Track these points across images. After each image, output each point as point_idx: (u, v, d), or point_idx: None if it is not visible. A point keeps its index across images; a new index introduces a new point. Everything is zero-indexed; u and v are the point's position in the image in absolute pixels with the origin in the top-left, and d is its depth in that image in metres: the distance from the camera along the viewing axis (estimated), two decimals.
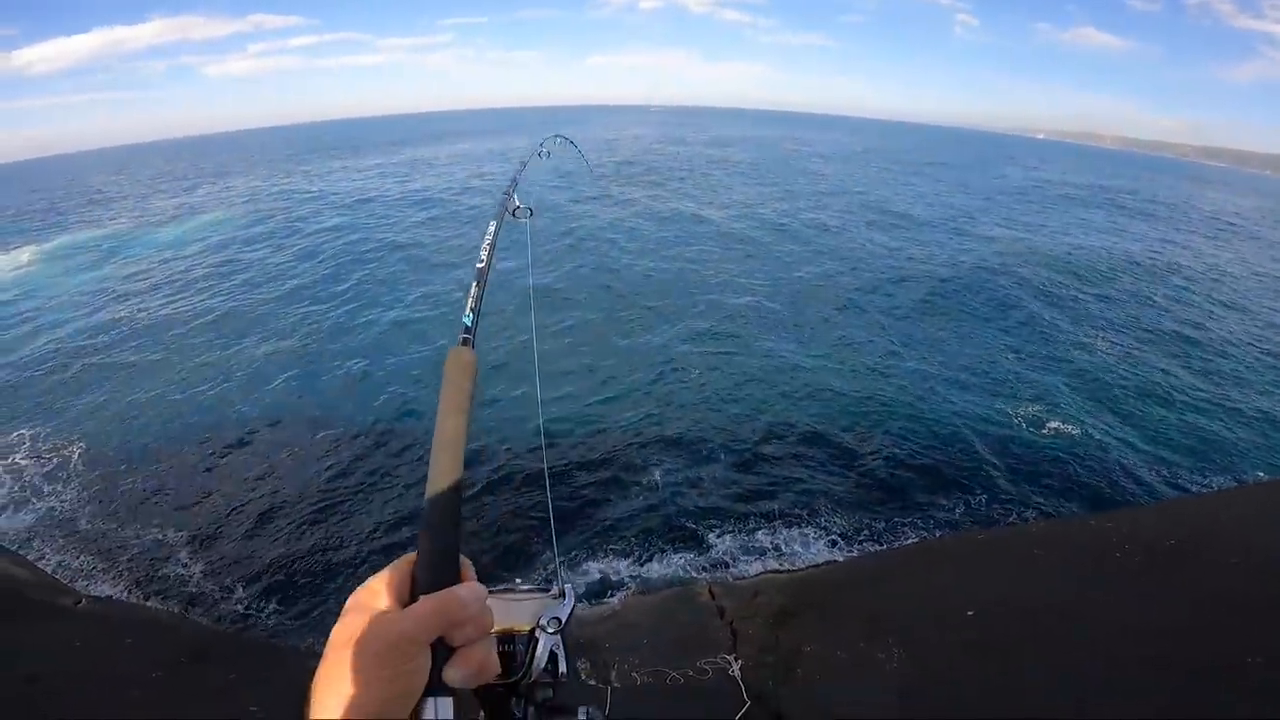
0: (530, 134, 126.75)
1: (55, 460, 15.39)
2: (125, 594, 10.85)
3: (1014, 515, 12.63)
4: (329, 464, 14.25)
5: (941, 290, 25.62)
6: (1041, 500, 13.28)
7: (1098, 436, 15.44)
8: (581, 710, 1.02)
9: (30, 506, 13.88)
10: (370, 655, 0.69)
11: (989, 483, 13.80)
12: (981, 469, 14.13)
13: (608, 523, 12.30)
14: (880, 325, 21.97)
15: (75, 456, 15.51)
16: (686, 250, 30.06)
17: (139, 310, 26.18)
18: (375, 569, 0.85)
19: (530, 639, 0.97)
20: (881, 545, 11.73)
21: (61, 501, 14.01)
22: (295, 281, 27.94)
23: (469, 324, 1.18)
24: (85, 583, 11.14)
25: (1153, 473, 14.44)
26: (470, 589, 0.78)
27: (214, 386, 18.93)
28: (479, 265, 1.36)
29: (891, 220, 39.41)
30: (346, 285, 26.91)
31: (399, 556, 0.85)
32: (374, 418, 15.84)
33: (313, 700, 0.69)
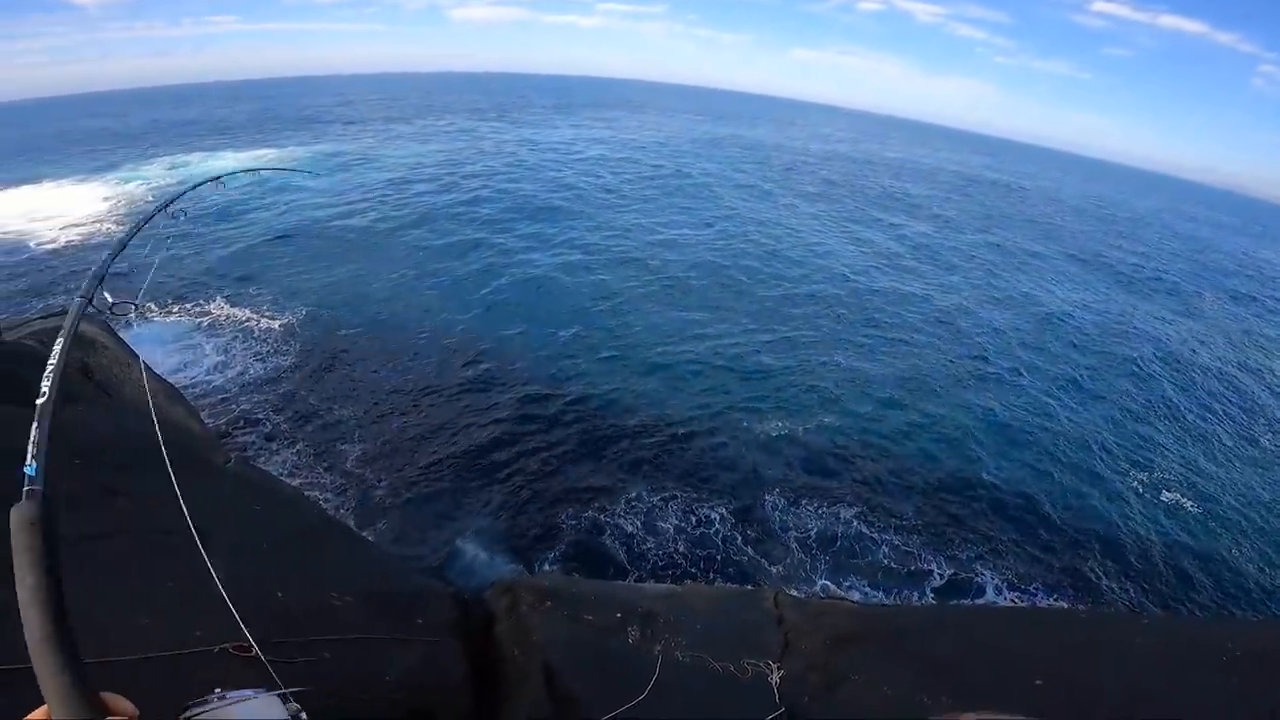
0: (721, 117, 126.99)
1: (265, 329, 17.96)
2: (268, 463, 12.39)
3: (1128, 602, 11.62)
4: (495, 400, 15.31)
5: None
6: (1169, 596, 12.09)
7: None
8: None
9: (227, 366, 16.14)
10: None
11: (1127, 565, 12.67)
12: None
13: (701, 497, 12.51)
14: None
15: (280, 329, 18.05)
16: None
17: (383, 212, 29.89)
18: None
19: None
20: (975, 600, 11.14)
21: (254, 367, 16.19)
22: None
23: (32, 473, 1.03)
24: (240, 447, 12.80)
25: None
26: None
27: (425, 291, 21.10)
28: (39, 400, 1.18)
29: None
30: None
31: None
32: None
33: None
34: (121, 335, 11.56)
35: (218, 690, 1.10)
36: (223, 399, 14.63)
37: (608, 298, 21.95)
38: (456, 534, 11.23)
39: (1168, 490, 15.79)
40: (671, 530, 11.98)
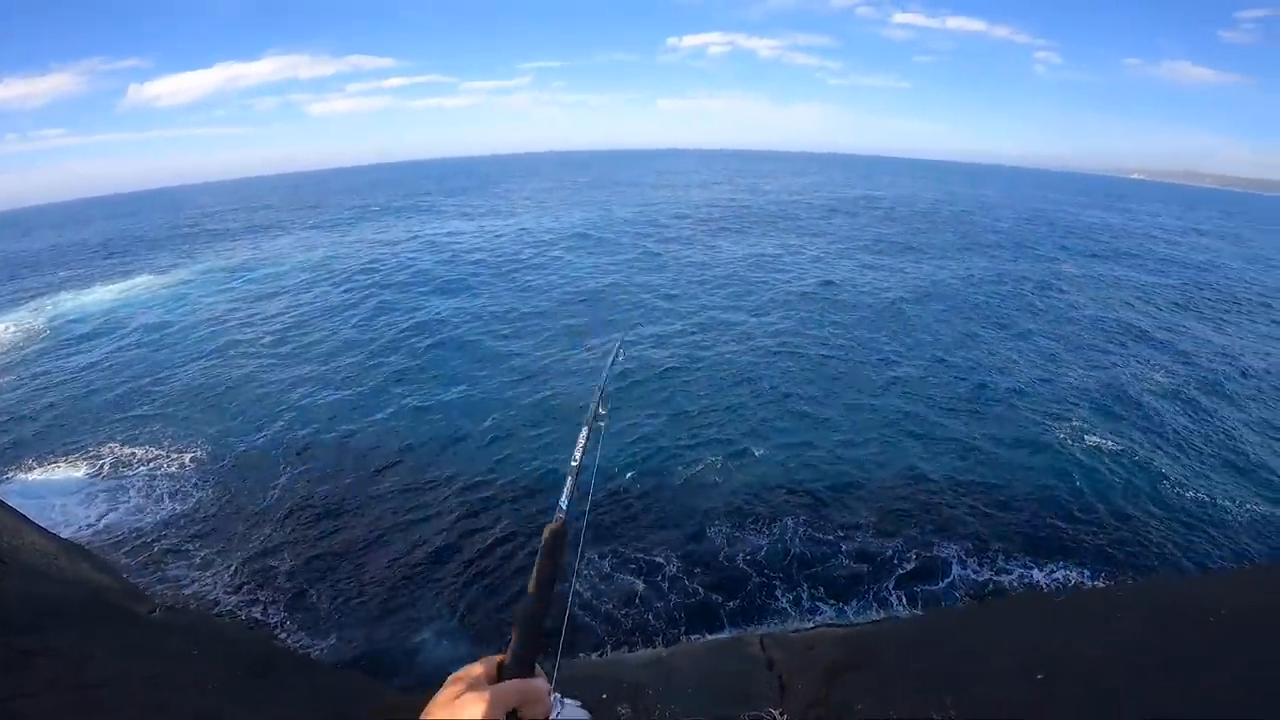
0: (597, 177, 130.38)
1: (167, 473, 16.62)
2: (198, 604, 11.44)
3: (1100, 578, 11.89)
4: (428, 498, 14.75)
5: None
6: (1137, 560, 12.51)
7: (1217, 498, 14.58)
8: None
9: (139, 508, 14.94)
10: (468, 712, 0.97)
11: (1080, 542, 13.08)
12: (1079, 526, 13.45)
13: (658, 563, 12.18)
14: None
15: (190, 468, 16.79)
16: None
17: (259, 332, 28.41)
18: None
19: None
20: (945, 602, 11.22)
21: (167, 503, 15.07)
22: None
23: (565, 506, 1.48)
24: (165, 590, 11.78)
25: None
26: (541, 682, 1.10)
27: (322, 405, 20.20)
28: (573, 463, 1.67)
29: None
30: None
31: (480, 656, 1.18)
32: (485, 465, 16.20)
33: None
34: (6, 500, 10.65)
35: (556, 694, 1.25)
36: (142, 541, 13.59)
37: (521, 378, 21.82)
38: (414, 636, 10.59)
39: (1090, 435, 16.96)
40: (632, 588, 11.67)
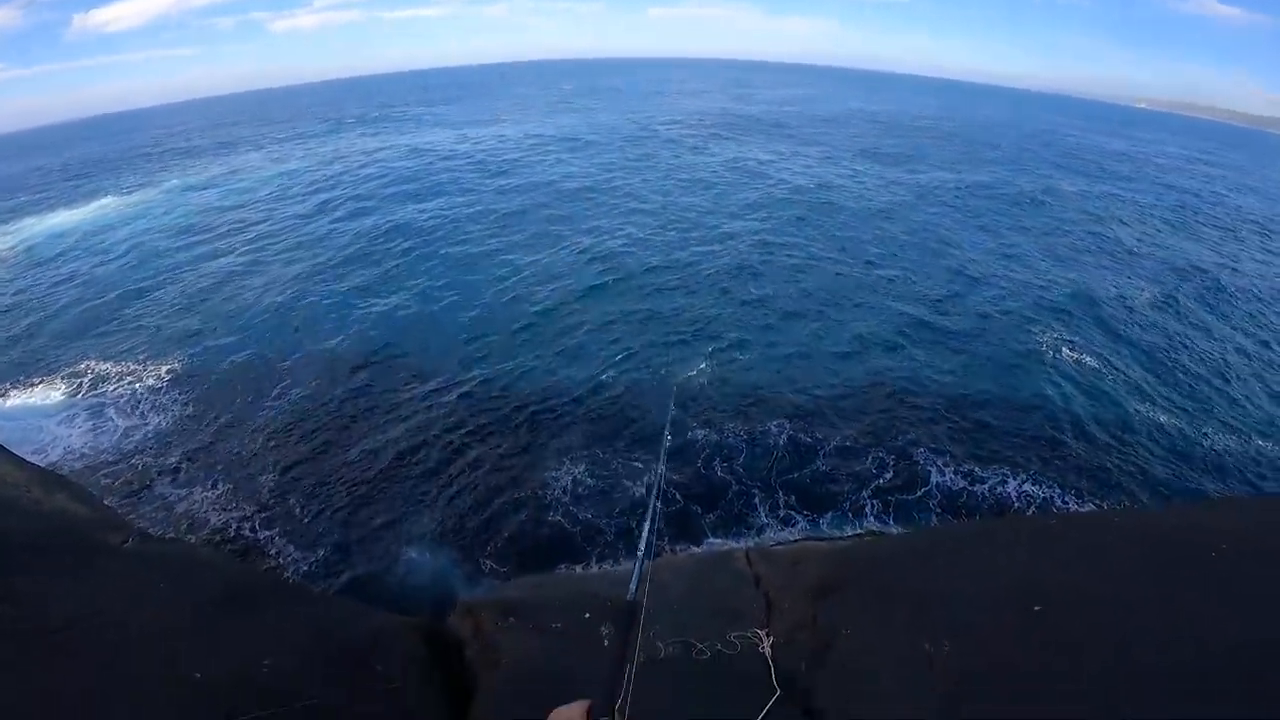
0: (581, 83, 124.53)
1: (147, 387, 16.41)
2: (188, 524, 11.41)
3: (1090, 503, 12.05)
4: (409, 404, 14.62)
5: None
6: (1126, 485, 12.66)
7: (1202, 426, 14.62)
8: None
9: (119, 427, 14.74)
10: None
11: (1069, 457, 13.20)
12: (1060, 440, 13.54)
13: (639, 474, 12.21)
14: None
15: (168, 381, 16.57)
16: None
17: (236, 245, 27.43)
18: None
19: None
20: (933, 520, 11.38)
21: (151, 420, 14.93)
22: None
23: (634, 589, 1.70)
24: (145, 517, 11.68)
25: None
26: None
27: (300, 312, 19.86)
28: (639, 552, 1.82)
29: None
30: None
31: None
32: (468, 372, 15.96)
33: None
34: None
35: None
36: (125, 461, 13.45)
37: (498, 280, 21.39)
38: (400, 553, 10.63)
39: (1074, 351, 17.25)
40: (613, 495, 11.74)
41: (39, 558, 4.94)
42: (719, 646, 5.24)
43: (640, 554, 1.78)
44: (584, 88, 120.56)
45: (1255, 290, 23.71)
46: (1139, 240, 28.77)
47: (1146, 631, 3.96)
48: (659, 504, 2.12)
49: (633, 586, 1.72)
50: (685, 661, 4.96)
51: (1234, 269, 26.14)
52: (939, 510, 11.59)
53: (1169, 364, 17.29)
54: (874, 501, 11.68)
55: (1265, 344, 19.21)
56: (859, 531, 10.85)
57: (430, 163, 41.83)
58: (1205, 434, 14.36)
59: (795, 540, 10.20)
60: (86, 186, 48.33)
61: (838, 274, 22.05)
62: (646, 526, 2.12)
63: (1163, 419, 14.66)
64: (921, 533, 10.05)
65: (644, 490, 11.64)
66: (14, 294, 24.58)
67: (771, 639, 5.22)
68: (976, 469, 12.48)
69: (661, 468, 3.46)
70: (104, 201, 40.63)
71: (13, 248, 31.47)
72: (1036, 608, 4.21)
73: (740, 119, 66.62)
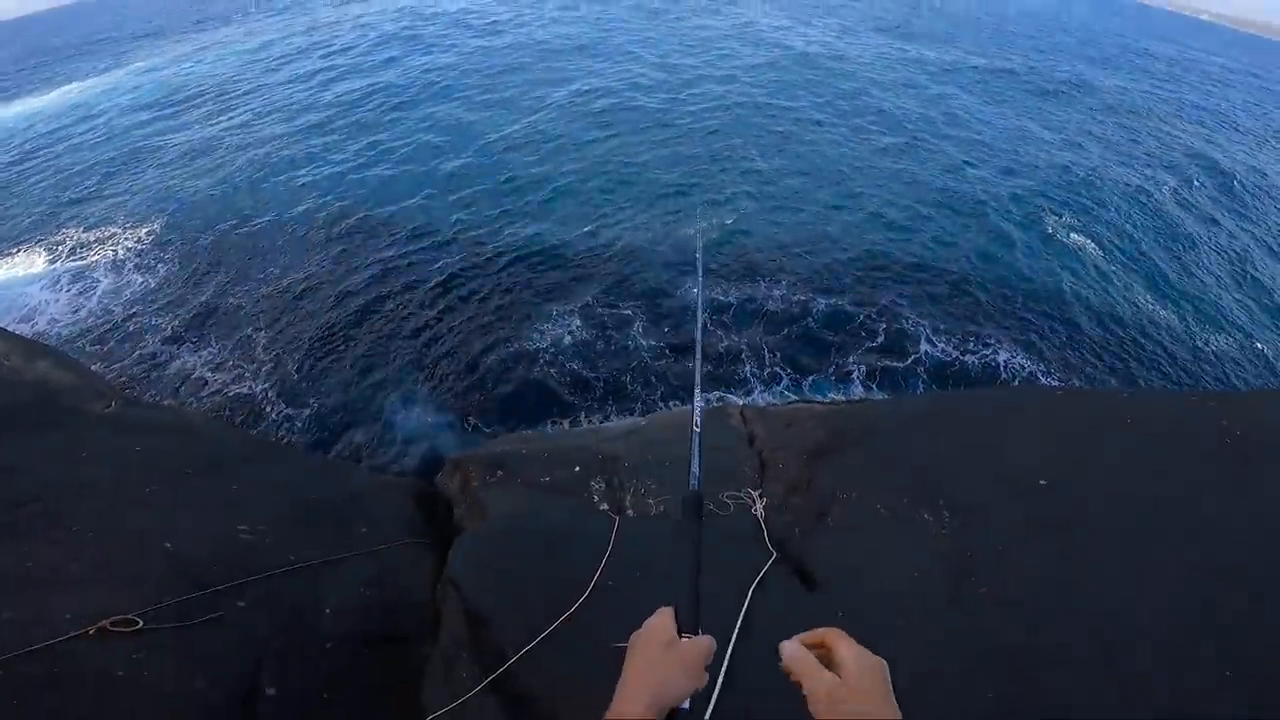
0: None
1: (129, 250, 15.93)
2: (182, 385, 11.31)
3: (1105, 379, 11.96)
4: (392, 260, 14.19)
5: None
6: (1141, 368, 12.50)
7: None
8: None
9: (106, 289, 14.43)
10: (676, 667, 1.19)
11: (1078, 331, 12.95)
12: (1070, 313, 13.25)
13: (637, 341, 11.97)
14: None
15: (150, 242, 16.15)
16: None
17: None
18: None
19: None
20: (921, 388, 11.31)
21: (136, 280, 14.59)
22: None
23: (699, 474, 1.55)
24: (134, 380, 11.55)
25: None
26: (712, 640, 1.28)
27: (275, 178, 18.81)
28: (696, 429, 1.68)
29: None
30: None
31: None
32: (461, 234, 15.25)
33: (623, 693, 1.15)
34: None
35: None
36: (108, 323, 13.20)
37: (487, 136, 20.21)
38: (389, 412, 10.56)
39: (1075, 233, 16.58)
40: (604, 349, 11.62)
41: (10, 428, 4.67)
42: (711, 506, 5.18)
43: (694, 432, 1.63)
44: None
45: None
46: (1167, 137, 26.82)
47: (1167, 511, 3.81)
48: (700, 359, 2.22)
49: (695, 470, 1.54)
50: (675, 525, 4.90)
51: (1262, 173, 24.54)
52: (927, 378, 11.51)
53: (1180, 259, 16.67)
54: (862, 366, 11.56)
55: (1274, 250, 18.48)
56: (851, 398, 10.80)
57: (415, 23, 38.14)
58: (1211, 331, 14.08)
59: (790, 403, 10.14)
60: (48, 73, 44.09)
61: (837, 141, 20.80)
62: (696, 398, 1.97)
63: (1166, 312, 14.32)
64: (920, 398, 9.98)
65: (632, 344, 11.53)
66: None
67: (765, 500, 5.15)
68: (969, 341, 12.29)
69: (700, 315, 3.18)
70: (68, 88, 37.18)
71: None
72: (1042, 482, 4.05)
73: None
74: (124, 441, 4.78)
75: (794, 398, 10.71)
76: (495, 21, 37.43)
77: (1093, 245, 16.18)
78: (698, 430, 1.67)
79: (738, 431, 6.59)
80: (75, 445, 4.49)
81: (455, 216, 15.57)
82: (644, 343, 11.66)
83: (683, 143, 19.95)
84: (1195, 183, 21.91)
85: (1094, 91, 33.49)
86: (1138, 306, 14.23)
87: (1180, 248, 17.25)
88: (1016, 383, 11.46)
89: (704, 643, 1.25)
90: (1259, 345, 14.04)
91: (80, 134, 26.37)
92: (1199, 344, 13.62)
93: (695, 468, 1.55)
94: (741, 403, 9.88)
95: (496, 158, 18.63)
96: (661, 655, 1.19)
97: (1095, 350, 12.73)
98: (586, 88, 24.64)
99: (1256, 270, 16.91)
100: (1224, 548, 3.60)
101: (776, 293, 12.99)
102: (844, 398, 10.78)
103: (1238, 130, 31.50)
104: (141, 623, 2.97)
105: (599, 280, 13.22)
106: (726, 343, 11.73)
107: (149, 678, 2.90)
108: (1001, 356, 12.00)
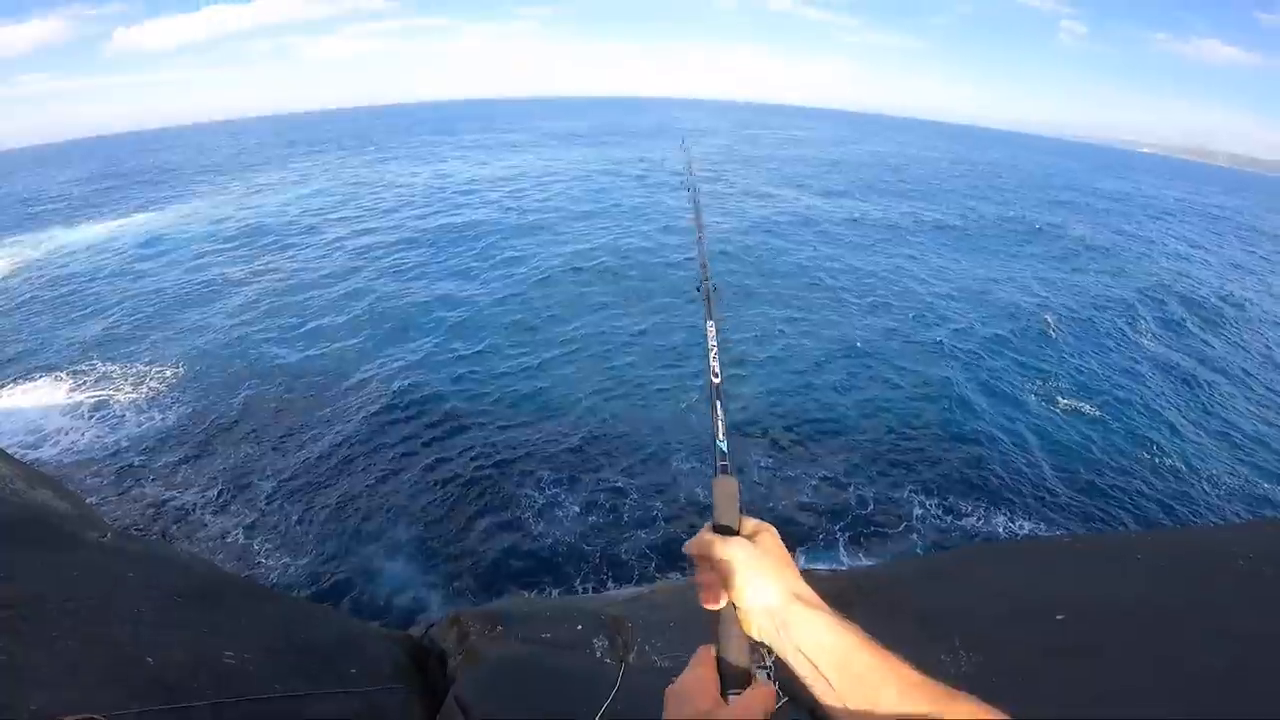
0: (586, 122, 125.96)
1: (150, 389, 16.60)
2: (178, 526, 11.16)
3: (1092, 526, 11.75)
4: (403, 436, 14.35)
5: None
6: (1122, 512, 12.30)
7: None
8: None
9: (109, 432, 14.75)
10: None
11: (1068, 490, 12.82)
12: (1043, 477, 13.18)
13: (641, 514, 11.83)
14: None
15: (169, 386, 16.79)
16: None
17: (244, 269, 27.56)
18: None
19: None
20: (919, 550, 11.03)
21: (139, 431, 14.81)
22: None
23: (724, 449, 1.17)
24: (130, 515, 11.45)
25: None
26: (769, 687, 1.02)
27: (296, 330, 19.95)
28: (714, 380, 1.29)
29: None
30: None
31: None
32: (446, 397, 15.72)
33: None
34: None
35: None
36: (116, 459, 13.46)
37: (495, 304, 21.48)
38: (383, 568, 10.32)
39: (1062, 397, 16.79)
40: (599, 524, 11.42)
41: (5, 540, 4.65)
42: None
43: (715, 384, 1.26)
44: (601, 127, 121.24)
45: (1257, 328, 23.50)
46: (1137, 274, 28.69)
47: (1182, 636, 3.66)
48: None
49: (722, 445, 1.14)
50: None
51: (1238, 306, 26.01)
52: (925, 545, 11.25)
53: (1163, 402, 17.03)
54: (853, 533, 11.35)
55: (1245, 381, 19.00)
56: (856, 564, 10.50)
57: (444, 194, 42.21)
58: (1201, 471, 14.04)
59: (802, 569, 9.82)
60: (117, 196, 49.72)
61: (826, 302, 22.02)
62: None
63: (1162, 458, 14.34)
64: (925, 558, 9.73)
65: (628, 515, 11.49)
66: (29, 299, 25.14)
67: (774, 656, 4.87)
68: (961, 504, 12.15)
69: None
70: (127, 219, 41.34)
71: (37, 258, 32.01)
72: (1059, 616, 3.92)
73: (749, 159, 67.28)
74: (116, 566, 4.69)
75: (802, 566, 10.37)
76: (519, 190, 40.82)
77: (1080, 399, 16.54)
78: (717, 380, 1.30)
79: None
80: (68, 563, 4.41)
81: (469, 388, 16.02)
82: (639, 514, 11.51)
83: (664, 310, 20.85)
84: (1167, 319, 23.11)
85: (1060, 235, 36.24)
86: (1131, 457, 14.18)
87: (1158, 392, 17.60)
88: (1068, 540, 11.11)
89: (759, 697, 0.96)
90: (1247, 474, 14.05)
91: (130, 267, 28.38)
92: (1192, 489, 13.47)
93: (721, 440, 1.19)
94: None
95: (496, 319, 19.66)
96: None
97: (1098, 505, 12.55)
98: (584, 248, 26.35)
99: (1233, 407, 17.06)
100: (1252, 666, 3.41)
101: (766, 461, 13.08)
102: (848, 565, 10.47)
103: (1198, 259, 33.73)
104: None
105: (594, 447, 13.37)
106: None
107: None
108: (998, 522, 11.79)
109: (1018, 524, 11.82)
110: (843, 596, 5.73)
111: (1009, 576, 4.85)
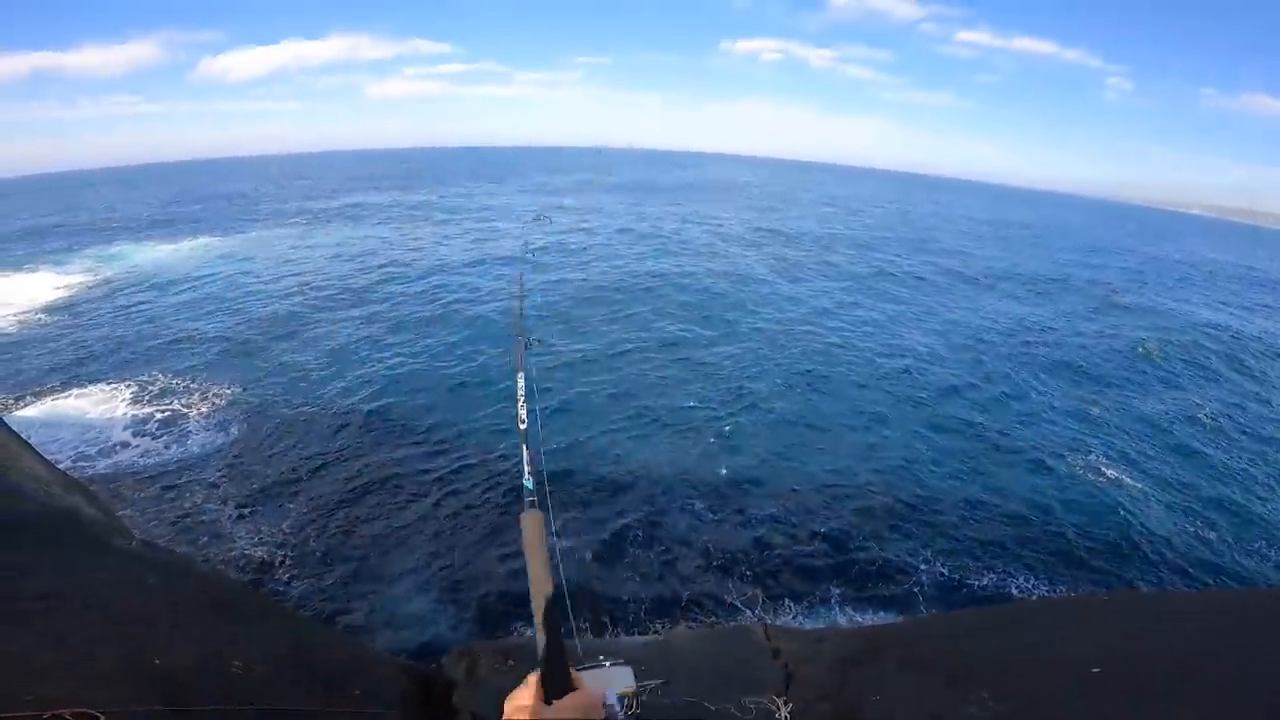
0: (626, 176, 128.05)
1: (204, 409, 16.96)
2: (182, 543, 11.22)
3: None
4: (439, 462, 14.44)
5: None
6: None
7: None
8: None
9: (157, 446, 15.08)
10: None
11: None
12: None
13: (664, 560, 11.57)
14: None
15: (222, 406, 17.20)
16: None
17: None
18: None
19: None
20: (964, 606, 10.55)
21: (185, 448, 15.13)
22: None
23: (530, 487, 1.33)
24: (160, 526, 11.68)
25: None
26: (592, 691, 1.20)
27: (347, 364, 20.25)
28: (521, 427, 1.46)
29: None
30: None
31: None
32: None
33: None
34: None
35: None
36: (159, 473, 13.73)
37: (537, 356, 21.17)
38: (404, 598, 10.22)
39: (1108, 468, 16.00)
40: (615, 577, 11.14)
41: (31, 539, 4.72)
42: (732, 709, 4.72)
43: (522, 429, 1.51)
44: (634, 180, 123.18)
45: None
46: (1168, 363, 27.64)
47: (1223, 686, 3.40)
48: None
49: (527, 483, 1.39)
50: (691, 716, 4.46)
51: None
52: (942, 601, 10.78)
53: (1198, 479, 16.23)
54: (860, 592, 10.91)
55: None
56: (880, 620, 10.10)
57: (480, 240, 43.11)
58: (1236, 552, 13.29)
59: (820, 626, 9.51)
60: (192, 218, 52.88)
61: (852, 368, 21.63)
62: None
63: (1191, 532, 13.65)
64: (953, 615, 9.30)
65: (636, 563, 11.28)
66: (101, 311, 26.38)
67: (790, 705, 4.68)
68: (976, 565, 11.69)
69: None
70: (197, 241, 43.44)
71: (107, 277, 33.28)
72: (1095, 669, 3.68)
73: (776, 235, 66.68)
74: (136, 571, 4.71)
75: (823, 624, 10.01)
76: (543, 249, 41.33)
77: (1114, 470, 15.83)
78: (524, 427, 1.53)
79: (761, 646, 6.22)
80: (88, 566, 4.44)
81: (503, 430, 15.86)
82: (647, 569, 11.25)
83: (691, 371, 20.67)
84: (1205, 402, 21.76)
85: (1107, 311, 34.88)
86: (1164, 532, 13.47)
87: (1195, 469, 16.69)
88: (1104, 596, 10.59)
89: (583, 699, 1.16)
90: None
91: (190, 290, 29.52)
92: (1225, 563, 12.72)
93: (526, 479, 1.39)
94: (767, 622, 9.27)
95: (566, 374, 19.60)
96: None
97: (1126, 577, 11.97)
98: (608, 326, 26.27)
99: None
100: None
101: (770, 522, 12.68)
102: (873, 621, 10.08)
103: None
104: (104, 718, 2.74)
105: (615, 498, 13.20)
106: (749, 572, 11.22)
107: None
108: (1014, 585, 11.30)
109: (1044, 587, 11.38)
110: (868, 649, 5.53)
111: (1039, 629, 4.61)
